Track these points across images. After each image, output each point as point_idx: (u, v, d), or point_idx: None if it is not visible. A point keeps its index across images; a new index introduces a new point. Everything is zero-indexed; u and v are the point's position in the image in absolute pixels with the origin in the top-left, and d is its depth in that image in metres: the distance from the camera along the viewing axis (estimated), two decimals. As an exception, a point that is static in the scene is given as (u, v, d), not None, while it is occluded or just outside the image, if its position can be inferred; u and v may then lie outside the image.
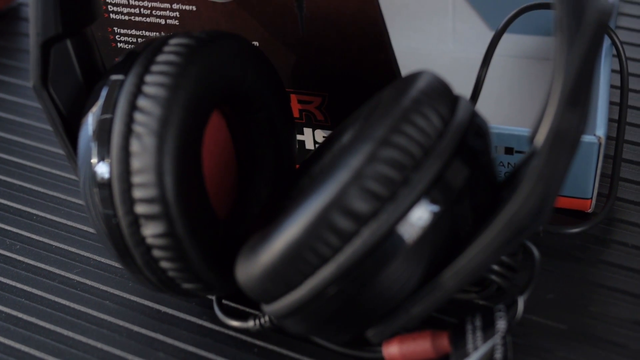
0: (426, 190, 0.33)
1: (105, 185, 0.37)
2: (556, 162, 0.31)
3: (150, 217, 0.36)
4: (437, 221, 0.34)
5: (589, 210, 0.46)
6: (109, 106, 0.37)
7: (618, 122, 0.46)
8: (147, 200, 0.36)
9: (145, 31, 0.46)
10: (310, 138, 0.47)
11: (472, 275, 0.33)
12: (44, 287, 0.45)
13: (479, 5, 0.55)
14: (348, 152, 0.34)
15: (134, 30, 0.46)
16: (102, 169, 0.37)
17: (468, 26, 0.55)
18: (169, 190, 0.36)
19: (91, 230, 0.48)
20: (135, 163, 0.36)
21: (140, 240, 0.37)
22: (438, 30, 0.56)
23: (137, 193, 0.36)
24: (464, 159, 0.34)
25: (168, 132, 0.36)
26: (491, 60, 0.46)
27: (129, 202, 0.36)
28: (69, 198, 0.50)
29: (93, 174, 0.37)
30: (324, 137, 0.47)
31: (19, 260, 0.46)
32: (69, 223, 0.48)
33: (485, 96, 0.48)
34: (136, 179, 0.36)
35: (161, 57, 0.37)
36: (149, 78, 0.37)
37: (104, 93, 0.37)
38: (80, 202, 0.49)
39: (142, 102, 0.36)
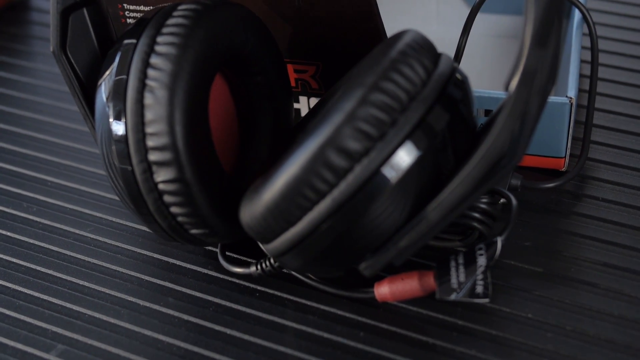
0: (412, 131, 0.37)
1: (121, 138, 0.40)
2: (527, 98, 0.34)
3: (162, 164, 0.40)
4: (421, 160, 0.37)
5: (563, 169, 0.49)
6: (124, 66, 0.40)
7: (589, 90, 0.50)
8: (160, 148, 0.39)
9: (153, 6, 0.49)
10: (305, 106, 0.51)
11: (453, 208, 0.37)
12: (60, 243, 0.48)
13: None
14: (341, 98, 0.38)
15: (142, 6, 0.50)
16: (119, 123, 0.40)
17: (451, 8, 0.59)
18: (179, 139, 0.39)
19: (102, 193, 0.51)
20: (149, 115, 0.40)
21: (153, 186, 0.40)
22: (423, 13, 0.60)
23: (150, 142, 0.40)
24: (445, 106, 0.38)
25: (178, 85, 0.39)
26: (471, 29, 0.50)
27: (143, 150, 0.40)
28: (80, 166, 0.53)
29: (110, 128, 0.41)
30: (318, 104, 0.51)
31: (36, 221, 0.50)
32: (82, 188, 0.52)
33: (467, 72, 0.52)
34: (149, 129, 0.40)
35: (171, 21, 0.41)
36: (160, 39, 0.40)
37: (118, 55, 0.41)
38: (90, 169, 0.53)
39: (154, 59, 0.40)
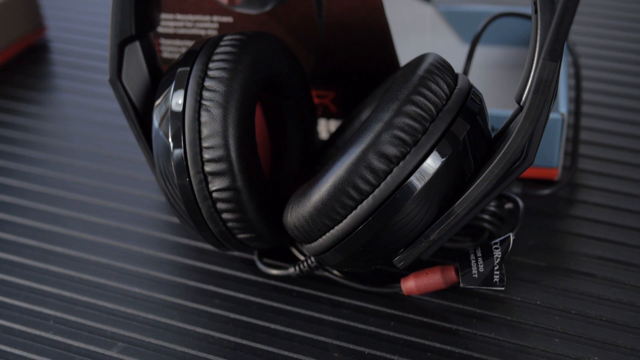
0: (440, 138, 0.43)
1: (179, 152, 0.45)
2: (541, 105, 0.40)
3: (216, 174, 0.45)
4: (448, 163, 0.43)
5: (556, 178, 0.56)
6: (181, 89, 0.46)
7: (575, 111, 0.57)
8: (215, 160, 0.45)
9: (189, 41, 0.55)
10: (324, 128, 0.57)
11: (477, 203, 0.43)
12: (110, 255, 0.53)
13: (454, 22, 0.65)
14: (377, 111, 0.43)
15: (177, 41, 0.55)
16: (177, 140, 0.45)
17: (444, 41, 0.66)
18: (232, 151, 0.45)
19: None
20: (205, 130, 0.45)
21: (208, 195, 0.45)
22: (418, 46, 0.66)
23: (206, 155, 0.45)
24: (466, 117, 0.44)
25: (231, 104, 0.45)
26: (473, 57, 0.56)
27: (200, 163, 0.45)
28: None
29: (168, 144, 0.46)
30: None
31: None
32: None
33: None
34: (206, 143, 0.45)
35: (220, 49, 0.47)
36: (212, 65, 0.46)
37: (174, 81, 0.46)
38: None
39: (208, 82, 0.45)
